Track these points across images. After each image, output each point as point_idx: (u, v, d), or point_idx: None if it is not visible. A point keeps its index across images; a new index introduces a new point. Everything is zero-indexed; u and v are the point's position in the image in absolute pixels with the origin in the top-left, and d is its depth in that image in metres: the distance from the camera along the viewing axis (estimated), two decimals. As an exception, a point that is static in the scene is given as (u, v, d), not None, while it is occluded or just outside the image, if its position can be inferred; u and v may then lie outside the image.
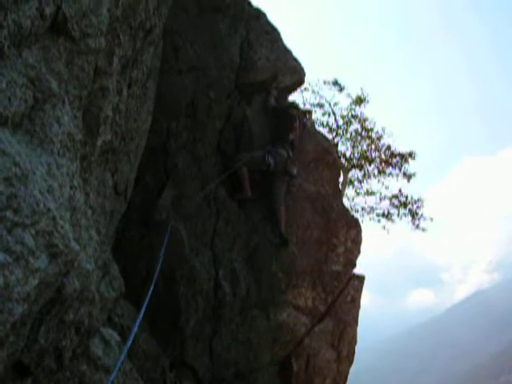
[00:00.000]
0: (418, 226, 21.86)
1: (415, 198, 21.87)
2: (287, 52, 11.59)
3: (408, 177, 21.62)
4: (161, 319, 8.28)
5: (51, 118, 3.84)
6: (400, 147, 21.73)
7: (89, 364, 5.41)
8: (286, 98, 11.80)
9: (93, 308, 4.52)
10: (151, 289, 6.53)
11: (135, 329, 5.51)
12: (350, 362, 10.81)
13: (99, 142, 5.30)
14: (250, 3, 11.65)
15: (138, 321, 5.60)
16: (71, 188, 4.08)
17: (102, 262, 6.09)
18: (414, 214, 21.70)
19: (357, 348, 11.14)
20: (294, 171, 10.29)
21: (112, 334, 6.17)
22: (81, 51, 4.45)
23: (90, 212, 5.08)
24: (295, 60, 11.70)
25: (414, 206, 21.72)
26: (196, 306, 8.82)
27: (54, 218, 3.41)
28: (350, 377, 11.17)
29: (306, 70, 11.88)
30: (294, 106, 11.27)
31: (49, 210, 3.37)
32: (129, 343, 5.08)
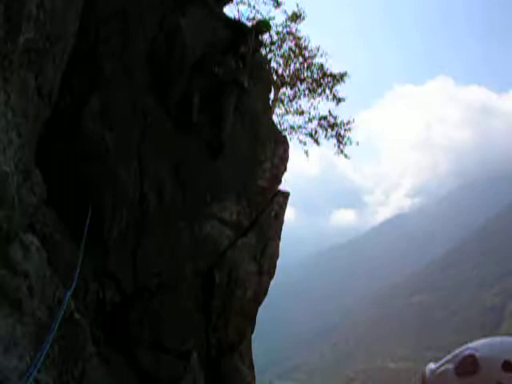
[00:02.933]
0: (343, 150, 22.15)
1: (344, 120, 22.06)
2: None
3: (338, 100, 21.71)
4: (83, 228, 8.19)
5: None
6: (333, 67, 21.73)
7: (8, 268, 5.35)
8: (223, 9, 11.55)
9: (12, 212, 4.44)
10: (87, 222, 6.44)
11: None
12: (271, 275, 11.08)
13: (21, 40, 5.07)
14: None
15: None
16: (-11, 86, 3.91)
17: (23, 166, 5.93)
18: (340, 137, 21.91)
19: (280, 263, 11.42)
20: (245, 83, 10.22)
21: (32, 240, 6.09)
22: None
23: (10, 113, 4.90)
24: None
25: (342, 129, 21.93)
26: (120, 216, 8.77)
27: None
28: (271, 292, 11.47)
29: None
30: (264, 22, 11.18)
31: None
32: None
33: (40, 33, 5.74)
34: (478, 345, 1.39)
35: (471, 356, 1.36)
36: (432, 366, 1.45)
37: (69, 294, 6.41)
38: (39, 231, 7.21)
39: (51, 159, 8.28)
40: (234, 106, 10.31)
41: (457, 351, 1.43)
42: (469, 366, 1.33)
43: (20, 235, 5.78)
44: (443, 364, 1.41)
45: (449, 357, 1.42)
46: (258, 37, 10.89)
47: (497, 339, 1.43)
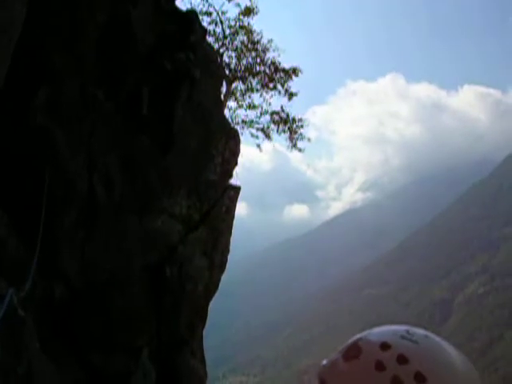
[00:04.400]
0: (295, 145, 22.32)
1: (297, 117, 22.19)
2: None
3: (290, 94, 21.83)
4: (31, 222, 8.03)
5: None
6: (285, 63, 21.80)
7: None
8: (174, 1, 11.43)
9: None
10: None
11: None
12: (222, 270, 11.09)
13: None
14: None
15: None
16: None
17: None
18: (293, 132, 22.06)
19: (232, 258, 11.45)
20: (197, 74, 10.16)
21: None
22: None
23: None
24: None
25: (294, 125, 22.07)
26: (69, 211, 8.63)
27: None
28: (223, 286, 11.49)
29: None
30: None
31: None
32: None
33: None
34: (364, 333, 1.54)
35: (355, 342, 1.50)
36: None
37: (11, 290, 6.27)
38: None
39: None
40: (185, 99, 10.23)
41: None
42: (352, 350, 1.46)
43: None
44: (335, 356, 1.52)
45: (339, 348, 1.53)
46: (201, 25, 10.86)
47: (382, 327, 1.59)
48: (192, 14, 10.97)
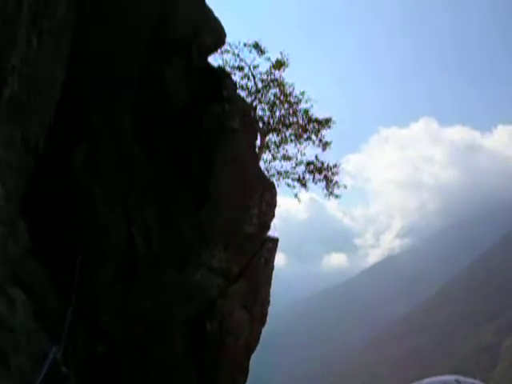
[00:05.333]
0: (332, 193, 22.24)
1: (331, 164, 22.17)
2: (209, 11, 11.40)
3: (324, 144, 21.86)
4: (71, 278, 8.10)
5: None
6: (318, 113, 21.89)
7: (-7, 323, 5.26)
8: (207, 58, 11.66)
9: (-4, 265, 4.36)
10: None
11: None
12: (263, 322, 10.98)
13: (6, 94, 5.08)
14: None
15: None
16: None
17: (7, 217, 5.87)
18: (329, 180, 22.02)
19: (271, 310, 11.32)
20: (235, 125, 10.31)
21: (18, 294, 6.01)
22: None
23: (-5, 166, 4.87)
24: (216, 20, 11.53)
25: (330, 173, 22.05)
26: (108, 265, 8.69)
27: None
28: (263, 338, 11.35)
29: (226, 31, 11.75)
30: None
31: None
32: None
33: (24, 86, 5.74)
34: (424, 381, 1.56)
35: None
36: None
37: (54, 348, 6.30)
38: (24, 282, 7.10)
39: (37, 209, 8.23)
40: (221, 153, 10.33)
41: None
42: None
43: (6, 288, 5.70)
44: None
45: None
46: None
47: (431, 379, 1.63)
48: (223, 70, 11.15)
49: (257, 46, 21.33)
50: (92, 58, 9.51)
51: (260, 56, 21.36)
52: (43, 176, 8.36)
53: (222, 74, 11.28)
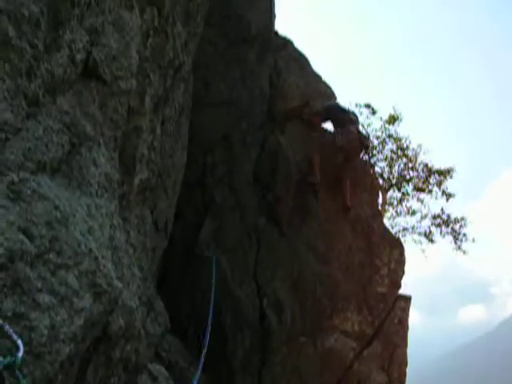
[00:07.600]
0: (460, 247, 21.47)
1: (458, 216, 21.51)
2: (316, 77, 11.66)
3: (447, 195, 21.31)
4: (208, 353, 8.26)
5: (88, 161, 3.91)
6: (436, 164, 21.47)
7: (139, 401, 5.43)
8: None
9: (139, 344, 4.55)
10: (208, 330, 6.57)
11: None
12: (401, 384, 10.64)
13: (136, 181, 5.39)
14: (276, 33, 11.77)
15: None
16: (111, 227, 4.13)
17: (146, 298, 6.15)
18: (456, 235, 21.32)
19: (409, 369, 10.97)
20: (369, 142, 10.41)
21: (160, 370, 6.20)
22: (113, 93, 4.55)
23: (131, 250, 5.14)
24: (325, 84, 11.75)
25: (457, 226, 21.37)
26: (243, 338, 8.81)
27: (95, 258, 3.45)
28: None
29: (336, 93, 11.93)
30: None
31: (90, 250, 3.42)
32: None
33: (152, 171, 6.10)
34: None
35: None
36: None
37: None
38: (165, 359, 7.34)
39: (170, 287, 8.56)
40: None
41: None
42: None
43: (148, 366, 5.90)
44: None
45: None
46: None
47: None
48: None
49: (368, 106, 21.56)
50: (209, 137, 9.95)
51: (372, 115, 21.53)
52: (172, 253, 8.73)
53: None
